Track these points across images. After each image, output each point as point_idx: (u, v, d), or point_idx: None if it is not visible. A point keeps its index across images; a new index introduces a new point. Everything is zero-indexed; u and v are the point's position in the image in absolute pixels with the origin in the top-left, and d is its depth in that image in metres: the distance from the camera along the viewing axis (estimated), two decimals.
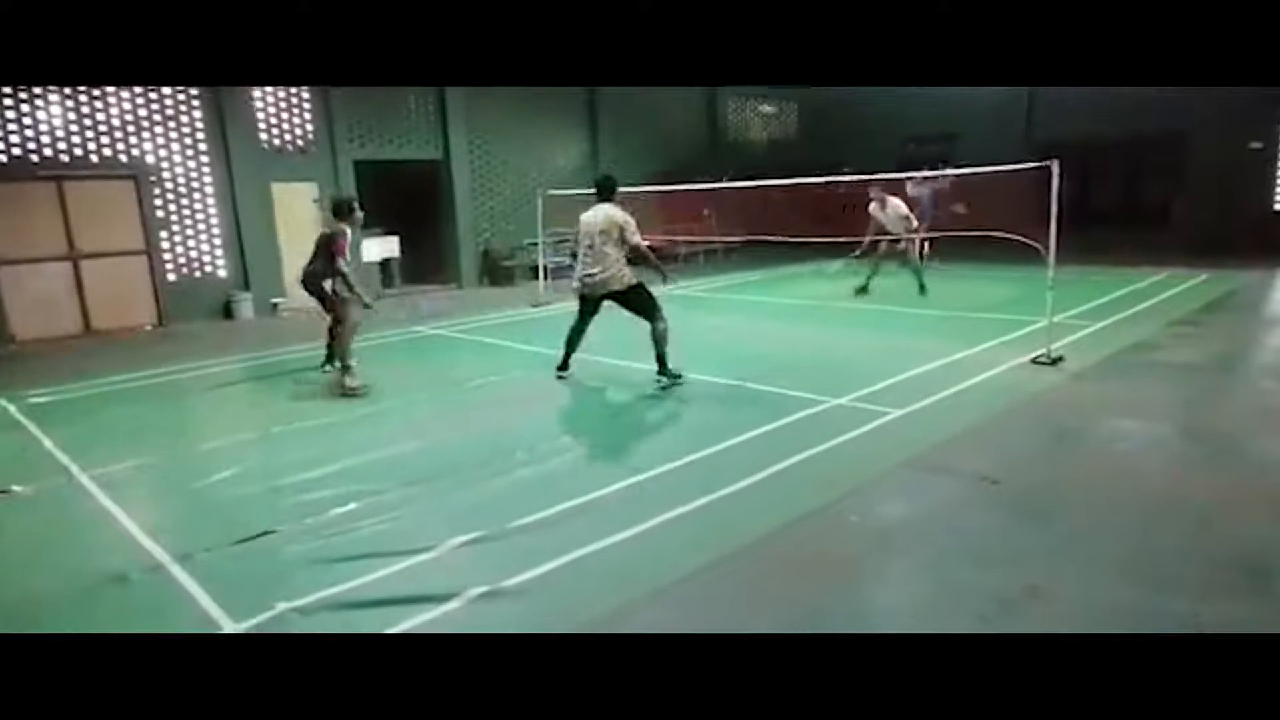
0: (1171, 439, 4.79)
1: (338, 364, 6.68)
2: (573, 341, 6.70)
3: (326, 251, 6.59)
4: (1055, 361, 6.28)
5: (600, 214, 6.34)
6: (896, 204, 10.03)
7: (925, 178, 11.61)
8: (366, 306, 6.67)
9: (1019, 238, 7.17)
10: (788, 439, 4.83)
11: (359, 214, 6.79)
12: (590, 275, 6.36)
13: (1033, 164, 6.62)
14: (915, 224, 10.21)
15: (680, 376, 6.30)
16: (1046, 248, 6.41)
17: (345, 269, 6.51)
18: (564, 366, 6.71)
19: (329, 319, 6.92)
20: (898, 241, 10.12)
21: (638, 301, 6.40)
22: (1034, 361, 6.34)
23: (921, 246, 11.42)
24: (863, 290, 10.51)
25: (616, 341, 7.03)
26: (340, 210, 6.70)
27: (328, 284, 6.66)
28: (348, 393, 6.34)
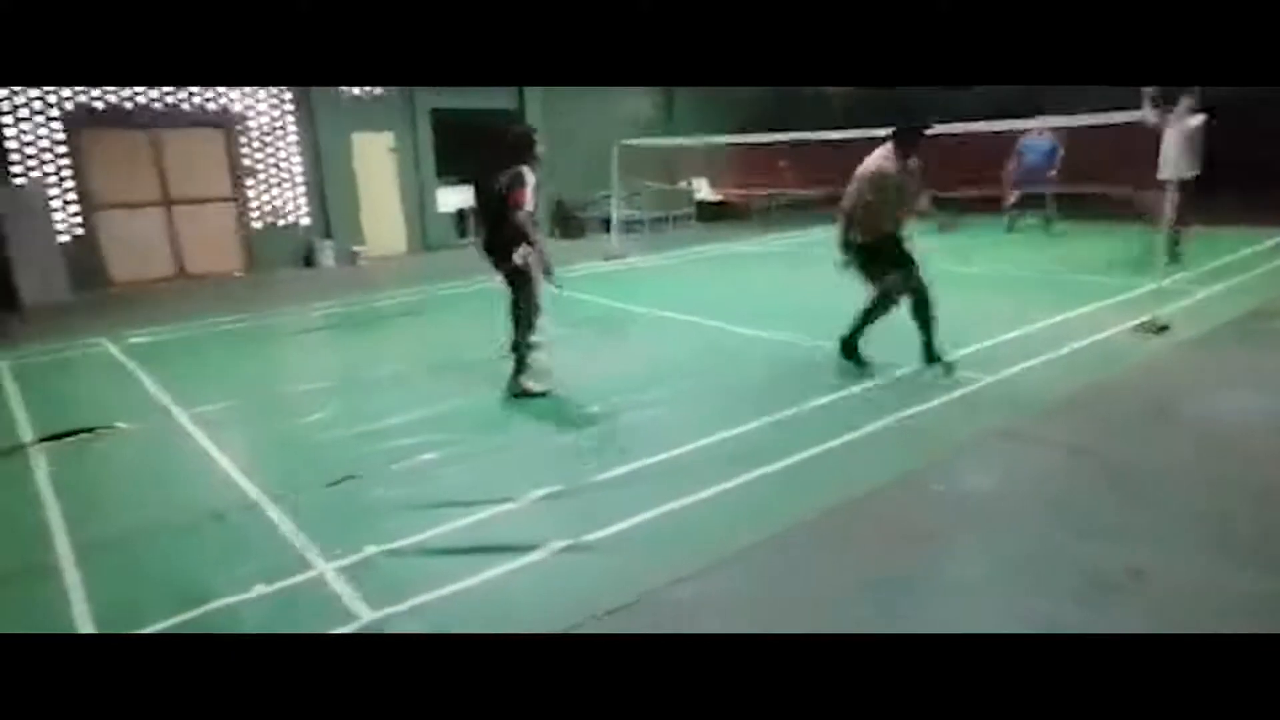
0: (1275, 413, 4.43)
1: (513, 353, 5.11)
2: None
3: (501, 203, 4.83)
4: (1161, 330, 5.88)
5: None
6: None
7: (1046, 130, 10.56)
8: (547, 275, 4.99)
9: (1130, 190, 6.67)
10: (872, 403, 4.67)
11: (540, 149, 4.97)
12: None
13: (1141, 113, 6.10)
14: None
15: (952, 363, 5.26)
16: (1160, 204, 5.96)
17: (527, 225, 4.80)
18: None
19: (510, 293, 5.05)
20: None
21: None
22: (1138, 329, 5.96)
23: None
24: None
25: (711, 302, 6.93)
26: (520, 146, 4.92)
27: (519, 253, 4.80)
28: (524, 394, 5.02)
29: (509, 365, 5.12)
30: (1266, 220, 10.83)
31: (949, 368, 5.20)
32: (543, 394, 5.05)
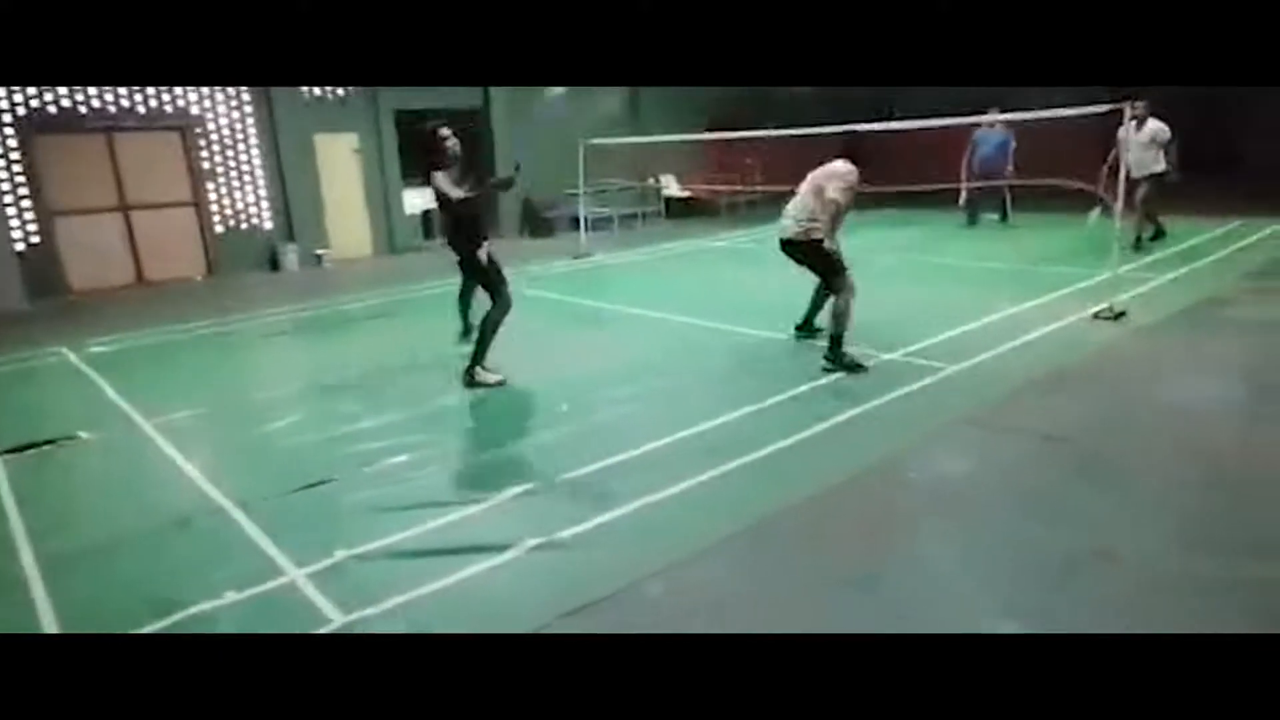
0: (1246, 401, 4.58)
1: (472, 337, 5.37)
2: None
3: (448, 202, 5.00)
4: (1118, 316, 6.04)
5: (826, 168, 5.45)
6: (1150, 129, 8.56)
7: (997, 122, 10.62)
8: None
9: (1084, 185, 6.86)
10: (839, 395, 4.74)
11: (451, 144, 5.06)
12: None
13: (1098, 107, 6.27)
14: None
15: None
16: (1114, 196, 6.11)
17: (474, 212, 5.04)
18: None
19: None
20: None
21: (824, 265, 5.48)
22: (1096, 316, 6.11)
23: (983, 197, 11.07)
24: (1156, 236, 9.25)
25: (680, 298, 6.95)
26: (427, 147, 5.11)
27: (482, 252, 5.06)
28: (478, 384, 5.18)
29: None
30: (1216, 210, 11.16)
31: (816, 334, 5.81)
32: (499, 384, 5.15)
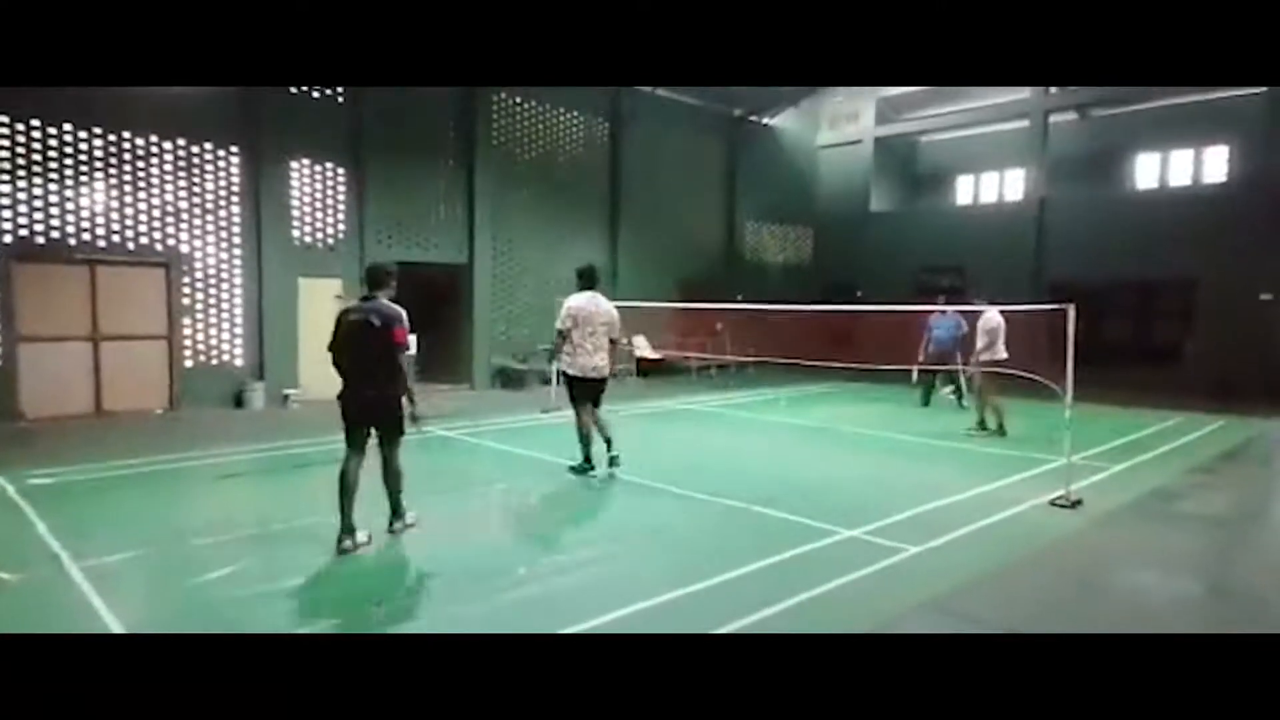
0: (1199, 598, 4.59)
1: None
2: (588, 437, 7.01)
3: (387, 342, 4.90)
4: (1075, 505, 6.14)
5: (601, 304, 6.96)
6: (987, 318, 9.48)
7: (954, 310, 11.28)
8: (414, 419, 5.12)
9: (1035, 376, 7.17)
10: (800, 571, 4.66)
11: (392, 282, 5.19)
12: (592, 362, 6.89)
13: (1050, 305, 6.70)
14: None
15: (593, 468, 6.92)
16: (1063, 387, 6.39)
17: (407, 367, 5.01)
18: (587, 461, 7.04)
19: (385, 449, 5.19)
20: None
21: (601, 391, 6.98)
22: (1053, 503, 6.20)
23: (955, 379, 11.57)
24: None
25: (644, 460, 6.93)
26: (379, 280, 5.12)
27: (410, 410, 5.07)
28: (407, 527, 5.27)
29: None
30: (1159, 403, 11.69)
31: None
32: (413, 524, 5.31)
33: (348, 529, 4.90)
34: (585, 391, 6.95)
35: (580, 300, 6.92)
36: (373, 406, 4.99)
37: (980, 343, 9.34)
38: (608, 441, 6.96)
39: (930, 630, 3.96)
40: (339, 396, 5.07)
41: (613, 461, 6.89)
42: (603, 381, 6.98)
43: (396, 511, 5.26)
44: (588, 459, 7.00)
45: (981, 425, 9.53)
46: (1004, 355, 9.13)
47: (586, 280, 7.04)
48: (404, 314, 5.01)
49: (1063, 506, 6.13)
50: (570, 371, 6.93)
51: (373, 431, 5.08)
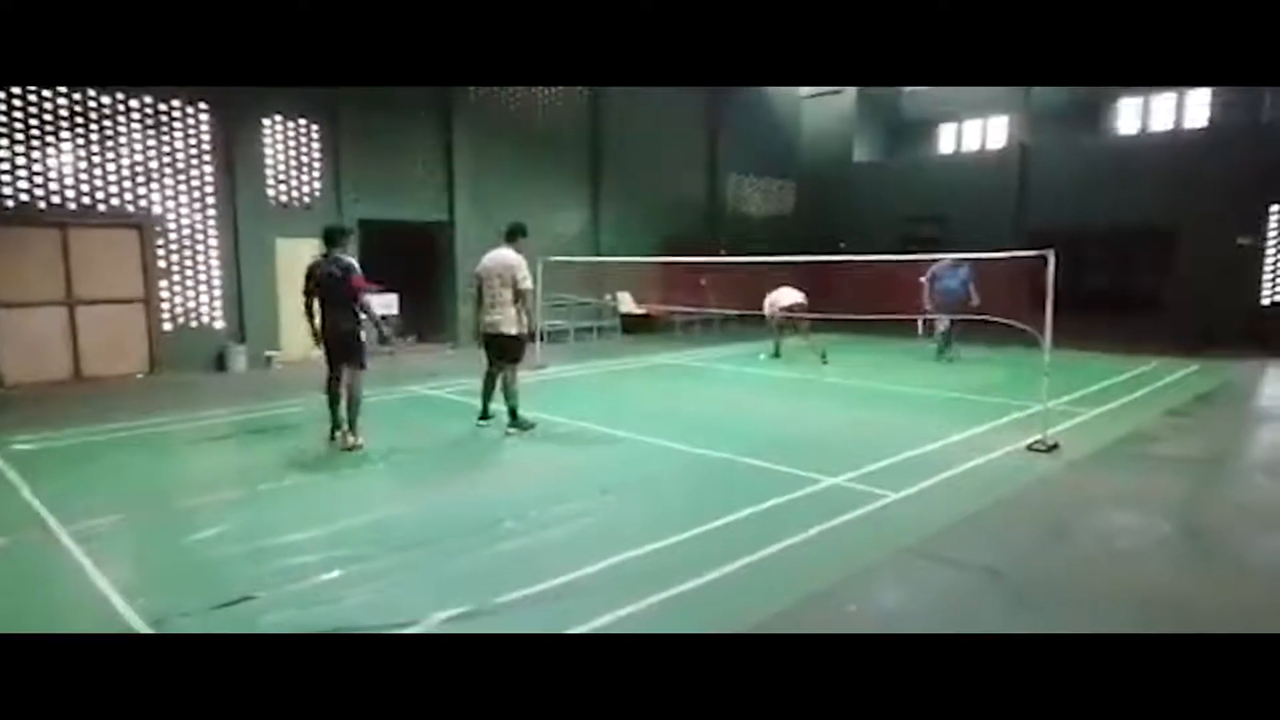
0: (1171, 536, 4.73)
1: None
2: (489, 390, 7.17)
3: (349, 287, 6.32)
4: (1051, 449, 6.26)
5: (504, 256, 6.86)
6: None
7: (956, 261, 11.09)
8: (383, 341, 7.06)
9: (1014, 323, 7.25)
10: (782, 519, 4.75)
11: (352, 237, 6.82)
12: (490, 319, 6.89)
13: (1030, 252, 6.73)
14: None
15: (534, 425, 6.94)
16: (1041, 333, 6.46)
17: (370, 309, 6.54)
18: (484, 416, 7.21)
19: (344, 373, 6.48)
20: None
21: (510, 350, 6.91)
22: (1030, 448, 6.32)
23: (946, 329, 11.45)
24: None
25: (629, 414, 7.00)
26: (334, 238, 6.50)
27: (365, 334, 6.50)
28: (349, 449, 6.34)
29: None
30: (1135, 350, 11.84)
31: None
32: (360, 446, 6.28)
33: (336, 426, 6.50)
34: (492, 349, 6.89)
35: (487, 257, 6.90)
36: (340, 340, 6.35)
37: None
38: (511, 411, 6.91)
39: (910, 573, 4.07)
40: (319, 330, 6.42)
41: (513, 427, 6.90)
42: (512, 340, 6.81)
43: (351, 427, 6.40)
44: (485, 414, 7.15)
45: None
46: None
47: (507, 236, 7.02)
48: (357, 265, 6.54)
49: (1040, 451, 6.25)
50: (482, 330, 6.93)
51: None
